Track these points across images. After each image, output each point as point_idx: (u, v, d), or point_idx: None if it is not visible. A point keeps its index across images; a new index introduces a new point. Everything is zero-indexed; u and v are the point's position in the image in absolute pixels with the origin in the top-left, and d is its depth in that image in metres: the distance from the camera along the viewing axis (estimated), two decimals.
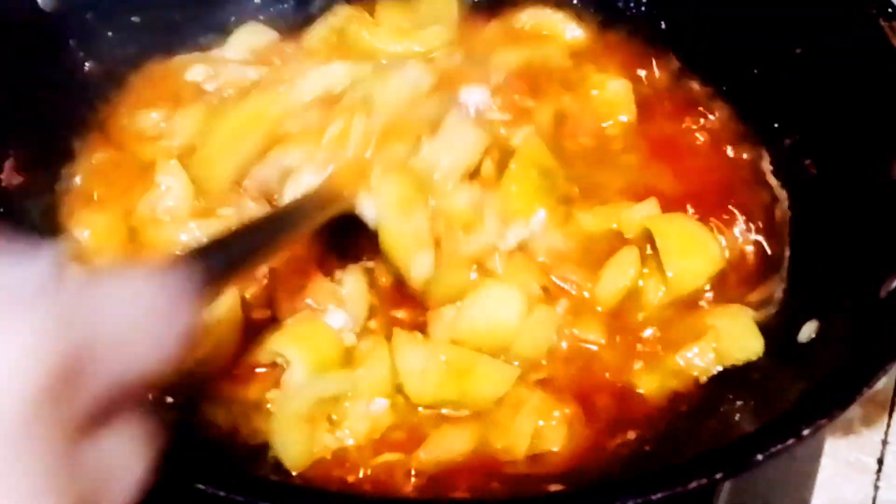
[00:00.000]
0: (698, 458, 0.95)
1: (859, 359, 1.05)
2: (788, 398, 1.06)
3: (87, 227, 1.37)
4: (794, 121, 1.49)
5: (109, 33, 1.55)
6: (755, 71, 1.56)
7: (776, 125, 1.52)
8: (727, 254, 1.40)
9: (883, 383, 1.44)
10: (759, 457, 0.94)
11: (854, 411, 1.48)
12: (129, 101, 1.53)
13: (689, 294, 1.35)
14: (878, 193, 1.27)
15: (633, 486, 0.91)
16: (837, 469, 1.44)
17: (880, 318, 1.12)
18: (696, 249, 1.37)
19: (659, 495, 0.90)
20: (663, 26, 1.69)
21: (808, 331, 1.25)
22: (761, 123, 1.54)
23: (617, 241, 1.39)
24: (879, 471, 1.44)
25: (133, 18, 1.58)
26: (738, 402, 1.19)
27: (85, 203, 1.41)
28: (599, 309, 1.32)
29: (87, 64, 1.52)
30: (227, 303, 1.24)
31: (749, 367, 1.27)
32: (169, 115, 1.49)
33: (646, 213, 1.40)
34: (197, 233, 1.35)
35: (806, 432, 0.96)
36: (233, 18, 1.68)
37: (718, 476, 0.93)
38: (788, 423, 0.97)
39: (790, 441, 0.95)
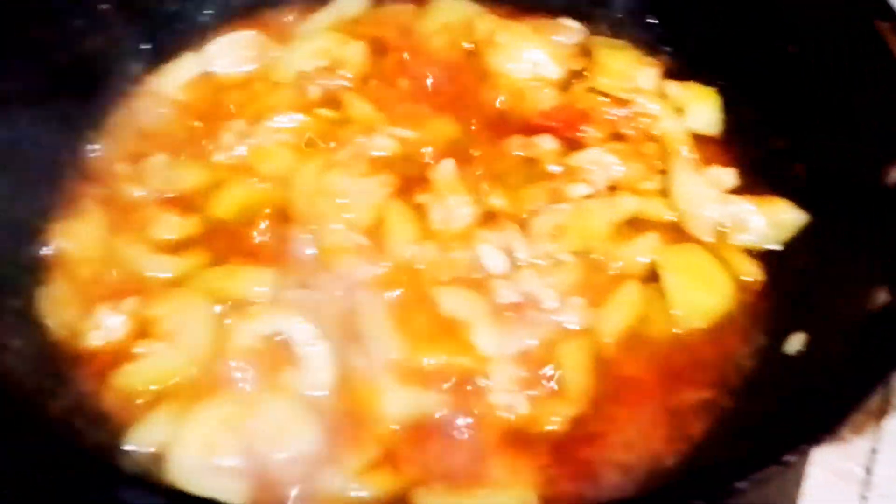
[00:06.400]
0: (680, 484, 0.92)
1: (846, 380, 1.01)
2: (774, 419, 1.03)
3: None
4: (785, 123, 1.45)
5: (78, 23, 1.50)
6: (746, 70, 1.52)
7: (767, 125, 1.48)
8: None
9: None
10: (742, 485, 0.90)
11: None
12: None
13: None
14: (869, 202, 1.23)
15: None
16: (825, 478, 1.40)
17: (869, 334, 1.08)
18: (706, 286, 1.34)
19: None
20: (656, 24, 1.66)
21: (795, 343, 1.22)
22: (751, 125, 1.51)
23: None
24: (868, 480, 1.40)
25: (102, 6, 1.53)
26: (726, 421, 1.16)
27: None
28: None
29: (53, 54, 1.45)
30: None
31: (737, 379, 1.25)
32: None
33: (648, 247, 1.37)
34: None
35: (790, 458, 0.92)
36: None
37: None
38: (772, 448, 0.93)
39: (773, 468, 0.91)
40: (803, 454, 0.93)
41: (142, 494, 0.86)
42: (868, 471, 1.41)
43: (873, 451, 1.42)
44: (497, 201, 1.42)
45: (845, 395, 0.98)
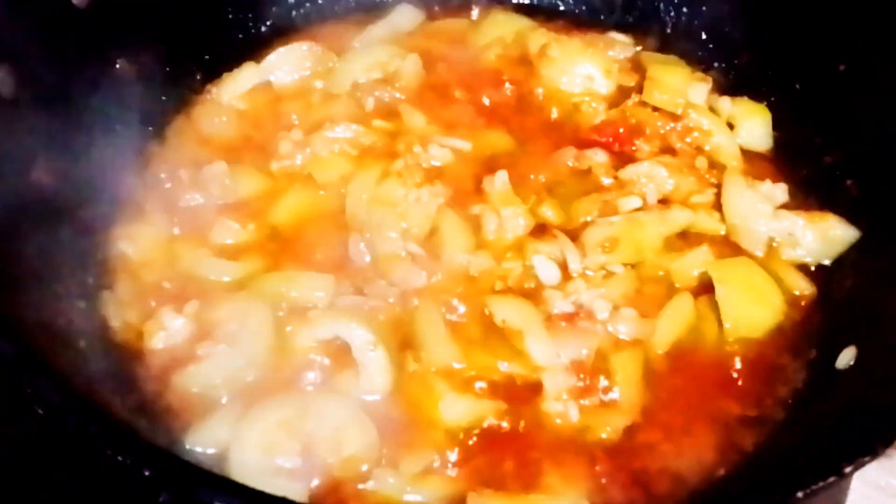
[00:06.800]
0: (738, 493, 0.93)
1: None
2: (826, 431, 1.03)
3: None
4: (835, 139, 1.46)
5: (142, 32, 1.53)
6: (797, 86, 1.54)
7: (818, 141, 1.49)
8: None
9: None
10: (800, 494, 0.91)
11: None
12: None
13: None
14: None
15: None
16: (866, 493, 1.40)
17: None
18: (757, 300, 1.34)
19: None
20: (707, 40, 1.67)
21: (846, 358, 1.23)
22: (802, 141, 1.51)
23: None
24: None
25: (164, 16, 1.56)
26: (777, 432, 1.16)
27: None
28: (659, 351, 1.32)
29: (118, 62, 1.50)
30: None
31: (788, 392, 1.26)
32: None
33: (700, 260, 1.38)
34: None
35: (848, 469, 0.93)
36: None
37: None
38: (829, 460, 0.94)
39: (832, 479, 0.92)
40: (861, 466, 0.93)
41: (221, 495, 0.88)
42: None
43: None
44: (549, 213, 1.44)
45: None
